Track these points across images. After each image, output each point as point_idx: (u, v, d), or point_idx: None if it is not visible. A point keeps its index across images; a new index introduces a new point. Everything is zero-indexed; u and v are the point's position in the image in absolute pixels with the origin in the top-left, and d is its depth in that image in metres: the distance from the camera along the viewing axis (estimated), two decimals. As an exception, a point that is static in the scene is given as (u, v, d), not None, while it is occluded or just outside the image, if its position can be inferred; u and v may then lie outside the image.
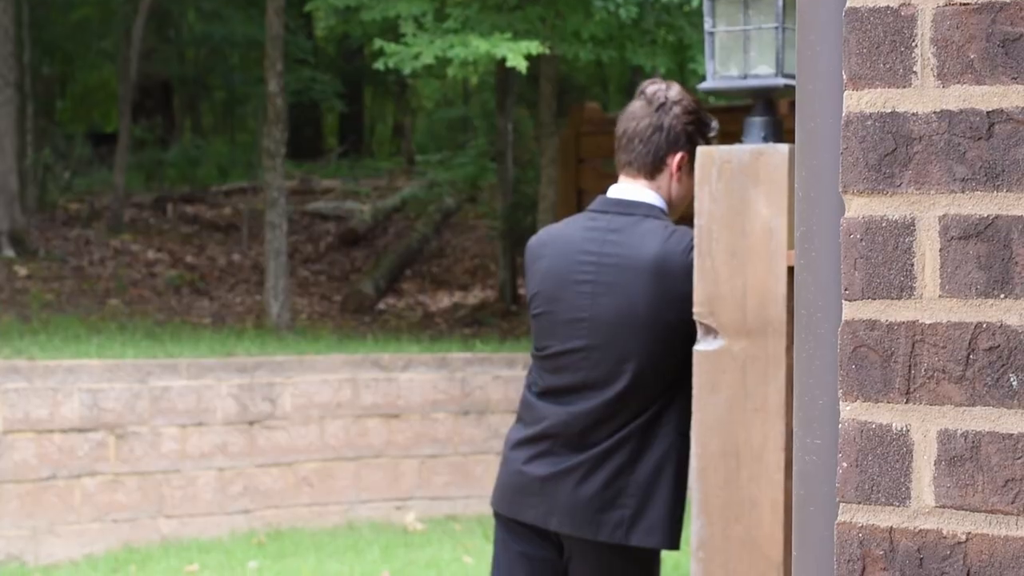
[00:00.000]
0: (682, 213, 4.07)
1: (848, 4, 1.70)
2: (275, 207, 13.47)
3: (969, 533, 1.64)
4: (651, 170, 3.95)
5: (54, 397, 8.64)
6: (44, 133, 18.68)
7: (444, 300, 16.75)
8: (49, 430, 8.62)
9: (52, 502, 8.65)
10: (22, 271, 14.42)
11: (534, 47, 11.95)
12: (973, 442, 1.63)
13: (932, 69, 1.66)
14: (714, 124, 4.04)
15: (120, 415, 8.87)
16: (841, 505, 1.71)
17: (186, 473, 9.15)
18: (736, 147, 3.58)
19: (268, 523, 9.42)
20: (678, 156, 3.96)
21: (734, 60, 3.77)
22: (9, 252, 14.64)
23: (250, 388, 9.39)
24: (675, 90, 4.00)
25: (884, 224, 1.68)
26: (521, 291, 15.31)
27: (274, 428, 9.48)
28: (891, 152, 1.68)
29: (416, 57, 12.21)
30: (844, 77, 1.71)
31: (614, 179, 4.06)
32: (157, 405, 9.00)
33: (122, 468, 8.89)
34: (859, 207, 1.69)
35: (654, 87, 3.99)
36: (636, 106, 3.98)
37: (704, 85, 3.86)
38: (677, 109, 3.95)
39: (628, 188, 3.96)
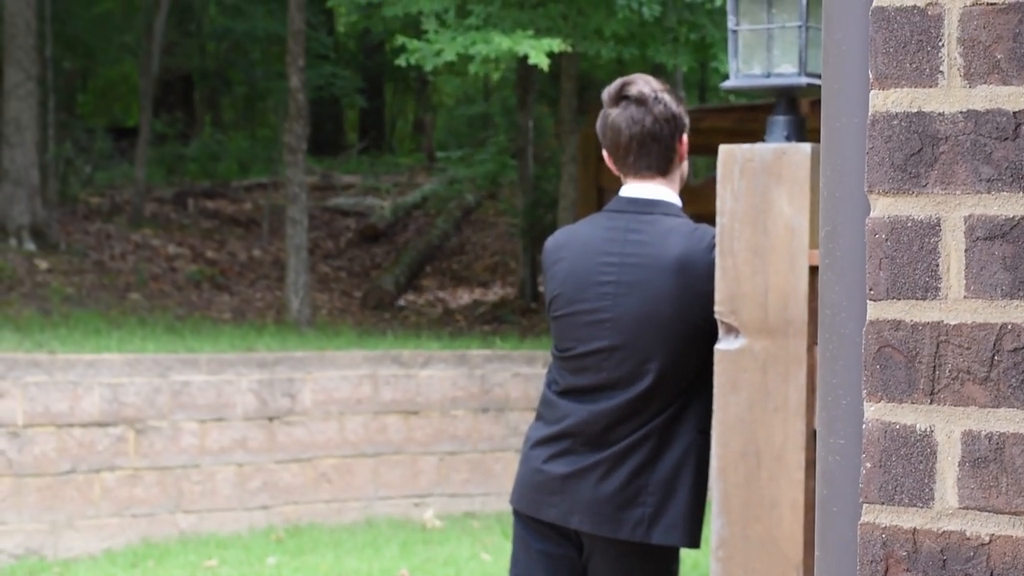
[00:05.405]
0: (703, 211, 4.06)
1: (875, 3, 1.70)
2: (296, 202, 13.49)
3: (993, 535, 1.63)
4: (667, 166, 3.93)
5: (74, 391, 8.66)
6: (65, 127, 18.73)
7: (464, 297, 16.75)
8: (69, 424, 8.64)
9: (71, 496, 8.67)
10: (43, 264, 14.46)
11: (556, 45, 11.95)
12: (997, 444, 1.63)
13: (959, 69, 1.65)
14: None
15: (140, 409, 8.88)
16: (864, 506, 1.71)
17: (205, 468, 9.16)
18: (758, 146, 3.58)
19: (287, 519, 9.43)
20: (684, 139, 3.95)
21: (757, 58, 3.76)
22: (30, 246, 14.68)
23: (270, 383, 9.40)
24: (649, 81, 3.97)
25: (909, 224, 1.67)
26: (541, 288, 15.30)
27: (294, 424, 9.49)
28: (917, 152, 1.67)
29: (438, 54, 12.23)
30: (870, 76, 1.70)
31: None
32: (177, 400, 9.02)
33: (141, 463, 8.91)
34: (884, 207, 1.69)
35: (635, 88, 3.93)
36: (631, 111, 3.91)
37: (727, 84, 3.84)
38: (664, 97, 3.93)
39: (643, 187, 3.93)
